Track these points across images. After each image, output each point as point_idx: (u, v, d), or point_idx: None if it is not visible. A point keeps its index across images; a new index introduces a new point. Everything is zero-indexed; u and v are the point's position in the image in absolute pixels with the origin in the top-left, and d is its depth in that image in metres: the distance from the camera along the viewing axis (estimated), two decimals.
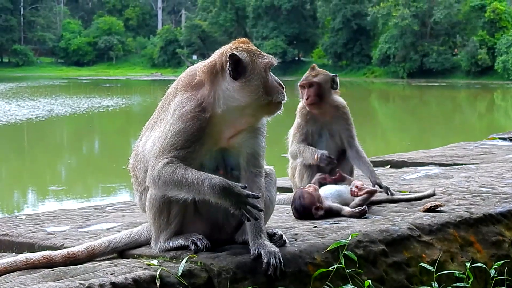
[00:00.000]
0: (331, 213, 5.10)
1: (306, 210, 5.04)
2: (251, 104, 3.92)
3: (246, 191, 3.81)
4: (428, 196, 5.71)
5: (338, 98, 6.08)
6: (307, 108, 5.99)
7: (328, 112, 6.01)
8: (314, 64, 6.16)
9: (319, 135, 6.02)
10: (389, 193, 5.69)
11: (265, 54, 4.03)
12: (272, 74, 4.01)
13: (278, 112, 4.01)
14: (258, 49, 4.03)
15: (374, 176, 5.84)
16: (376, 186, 5.71)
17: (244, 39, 4.09)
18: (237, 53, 3.92)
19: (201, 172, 3.85)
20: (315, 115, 6.02)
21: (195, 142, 3.91)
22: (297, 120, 6.08)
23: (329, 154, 5.79)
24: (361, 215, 5.06)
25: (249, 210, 3.78)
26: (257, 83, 3.92)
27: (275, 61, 4.02)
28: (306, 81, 5.98)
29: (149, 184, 3.96)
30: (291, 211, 5.16)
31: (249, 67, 3.93)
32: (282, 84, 4.00)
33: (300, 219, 5.05)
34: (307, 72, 6.05)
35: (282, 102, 3.98)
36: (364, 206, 5.16)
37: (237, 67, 3.91)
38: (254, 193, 3.86)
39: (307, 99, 5.95)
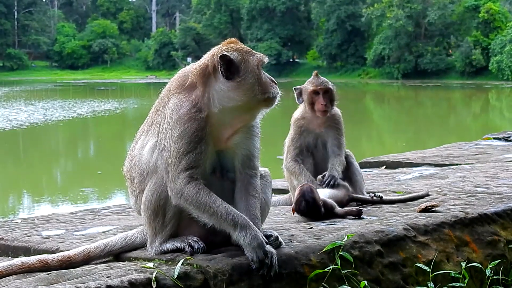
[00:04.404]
0: (326, 209, 5.11)
1: (315, 203, 5.04)
2: (248, 101, 3.93)
3: (261, 237, 3.83)
4: (422, 197, 5.71)
5: (335, 108, 6.06)
6: (318, 114, 5.89)
7: (323, 122, 5.98)
8: (316, 71, 6.10)
9: (315, 145, 5.99)
10: (377, 195, 5.69)
11: (256, 52, 4.05)
12: (262, 71, 4.03)
13: (274, 106, 4.03)
14: (248, 48, 4.05)
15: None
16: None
17: (233, 39, 4.10)
18: (228, 54, 3.93)
19: (226, 204, 3.88)
20: (309, 126, 5.97)
21: (198, 143, 3.91)
22: (291, 132, 6.02)
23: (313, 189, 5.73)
24: (357, 214, 5.07)
25: (260, 255, 3.79)
26: (252, 81, 3.94)
27: (266, 59, 4.04)
28: (323, 87, 5.89)
29: (171, 195, 3.96)
30: (294, 207, 5.14)
31: (242, 66, 3.94)
32: (273, 79, 4.03)
33: (305, 214, 5.06)
34: (315, 78, 5.93)
35: (277, 96, 4.01)
36: (360, 208, 5.17)
37: (230, 67, 3.92)
38: (270, 239, 3.96)
39: (325, 105, 5.86)
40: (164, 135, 3.99)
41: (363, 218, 5.02)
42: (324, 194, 5.33)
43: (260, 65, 3.99)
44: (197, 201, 3.87)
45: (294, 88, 6.03)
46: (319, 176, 5.73)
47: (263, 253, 3.79)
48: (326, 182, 5.60)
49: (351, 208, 5.19)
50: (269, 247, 3.88)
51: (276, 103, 4.03)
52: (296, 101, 6.04)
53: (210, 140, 3.95)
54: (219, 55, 3.92)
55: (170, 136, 3.95)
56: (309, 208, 5.05)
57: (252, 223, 3.87)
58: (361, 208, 5.16)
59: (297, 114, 6.05)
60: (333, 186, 5.57)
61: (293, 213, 5.20)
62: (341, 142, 5.98)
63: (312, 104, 5.91)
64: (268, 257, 3.82)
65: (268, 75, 4.03)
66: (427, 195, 5.78)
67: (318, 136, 5.98)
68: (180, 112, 3.94)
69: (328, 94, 5.90)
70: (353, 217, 5.08)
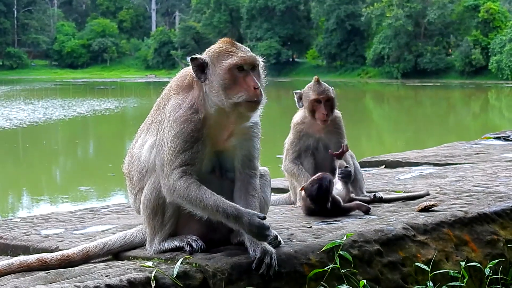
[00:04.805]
0: (334, 204, 5.11)
1: (327, 193, 5.08)
2: (220, 105, 3.92)
3: (257, 219, 3.83)
4: (422, 196, 5.71)
5: (335, 111, 6.04)
6: (319, 122, 5.83)
7: (324, 127, 5.94)
8: (317, 77, 6.03)
9: (316, 148, 5.96)
10: (377, 196, 5.68)
11: (236, 53, 3.95)
12: (247, 74, 3.91)
13: (252, 111, 3.93)
14: (231, 49, 3.96)
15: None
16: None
17: (226, 38, 4.06)
18: (198, 56, 3.96)
19: (215, 196, 3.88)
20: (309, 131, 5.92)
21: (195, 143, 3.92)
22: (291, 136, 5.98)
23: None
24: (366, 211, 5.12)
25: (259, 235, 3.81)
26: (217, 84, 3.92)
27: (240, 61, 3.90)
28: (325, 96, 5.80)
29: (165, 192, 3.97)
30: (306, 186, 5.18)
31: (209, 69, 3.95)
32: (255, 85, 3.89)
33: (312, 198, 5.08)
34: (316, 85, 5.83)
35: (254, 101, 3.89)
36: (369, 206, 5.20)
37: (203, 69, 3.95)
38: (265, 224, 3.89)
39: (326, 114, 5.79)
40: (162, 135, 4.01)
41: (362, 218, 5.02)
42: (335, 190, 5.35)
43: (232, 68, 3.91)
44: (188, 195, 3.88)
45: (294, 92, 5.94)
46: (340, 163, 5.68)
47: (265, 235, 3.80)
48: (343, 173, 5.55)
49: (361, 203, 5.19)
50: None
51: (256, 108, 3.93)
52: (297, 105, 5.96)
53: (207, 140, 3.96)
54: (189, 57, 3.96)
55: (167, 136, 3.97)
56: (319, 194, 5.07)
57: (243, 210, 3.85)
58: (369, 206, 5.19)
59: (297, 118, 6.00)
60: (345, 181, 5.53)
61: (301, 190, 5.22)
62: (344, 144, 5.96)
63: (312, 112, 5.85)
64: (268, 256, 3.82)
65: (252, 79, 3.91)
66: (427, 194, 5.78)
67: (319, 139, 5.95)
68: (178, 113, 3.96)
69: (329, 103, 5.84)
70: (361, 212, 5.13)
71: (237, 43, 4.05)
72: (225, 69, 3.92)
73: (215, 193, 3.89)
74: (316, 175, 5.25)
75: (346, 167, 5.59)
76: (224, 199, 3.89)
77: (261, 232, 3.81)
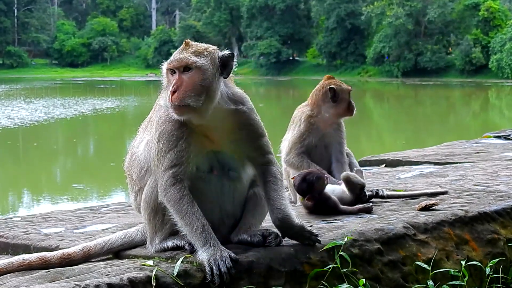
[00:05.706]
0: (326, 204, 5.10)
1: (309, 190, 5.08)
2: None
3: (227, 260, 3.74)
4: (442, 193, 5.70)
5: None
6: (350, 115, 5.91)
7: (330, 124, 5.93)
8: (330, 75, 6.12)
9: (315, 145, 5.94)
10: (379, 193, 5.66)
11: (178, 54, 3.95)
12: (175, 77, 3.88)
13: (183, 117, 3.83)
14: (176, 51, 3.98)
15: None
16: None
17: (186, 40, 4.05)
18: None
19: (204, 221, 3.85)
20: (319, 125, 5.90)
21: (177, 141, 3.89)
22: (300, 128, 5.89)
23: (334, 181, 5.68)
24: (368, 211, 5.10)
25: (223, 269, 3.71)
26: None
27: (167, 64, 3.94)
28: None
29: (158, 191, 3.96)
30: (298, 175, 5.20)
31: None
32: (171, 88, 3.83)
33: (296, 188, 5.14)
34: (334, 79, 5.95)
35: (172, 106, 3.80)
36: (371, 204, 5.20)
37: None
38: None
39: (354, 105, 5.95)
40: (152, 134, 4.04)
41: (363, 217, 5.02)
42: (337, 191, 5.33)
43: (166, 72, 3.96)
44: (178, 207, 3.86)
45: (329, 88, 5.90)
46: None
47: (225, 268, 3.70)
48: (368, 196, 5.49)
49: (363, 205, 5.19)
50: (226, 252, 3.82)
51: (174, 113, 3.81)
52: (331, 101, 5.89)
53: (191, 139, 3.91)
54: None
55: (154, 135, 3.99)
56: (300, 186, 5.11)
57: (219, 247, 3.78)
58: (371, 205, 5.19)
59: (307, 111, 5.94)
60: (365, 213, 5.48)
61: (292, 179, 5.29)
62: (343, 146, 5.96)
63: (349, 104, 5.91)
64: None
65: (174, 82, 3.85)
66: (446, 192, 5.76)
67: (324, 136, 5.92)
68: (159, 114, 3.99)
69: None
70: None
71: (192, 43, 3.97)
72: (163, 74, 3.99)
73: (204, 217, 3.85)
74: (308, 170, 5.30)
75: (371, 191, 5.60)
76: (210, 227, 3.84)
77: (221, 263, 3.71)
